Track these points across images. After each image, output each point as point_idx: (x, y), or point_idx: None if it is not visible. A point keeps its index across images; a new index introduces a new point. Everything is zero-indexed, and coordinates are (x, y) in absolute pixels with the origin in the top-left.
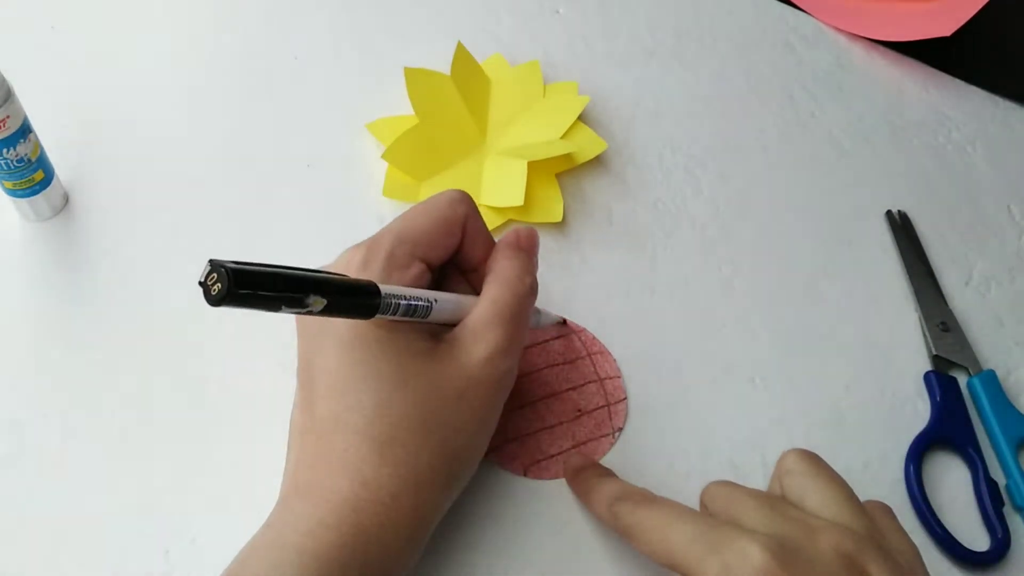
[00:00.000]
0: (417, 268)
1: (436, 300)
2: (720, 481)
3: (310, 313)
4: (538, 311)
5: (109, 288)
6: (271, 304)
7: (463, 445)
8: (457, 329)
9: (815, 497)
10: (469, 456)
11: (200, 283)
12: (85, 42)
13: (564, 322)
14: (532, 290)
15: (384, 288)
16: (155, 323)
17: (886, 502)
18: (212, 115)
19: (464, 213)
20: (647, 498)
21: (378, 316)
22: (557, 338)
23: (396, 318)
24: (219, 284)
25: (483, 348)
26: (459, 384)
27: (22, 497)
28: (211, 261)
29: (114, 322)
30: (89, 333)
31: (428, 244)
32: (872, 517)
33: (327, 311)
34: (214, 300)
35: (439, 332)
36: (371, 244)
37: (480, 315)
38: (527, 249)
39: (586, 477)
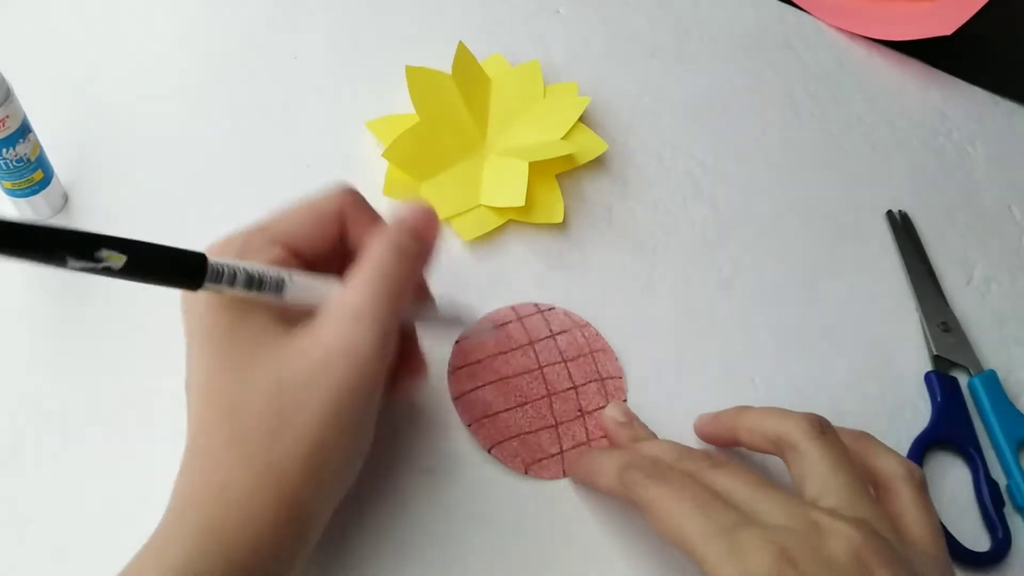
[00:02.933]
0: (276, 252)
1: (291, 276)
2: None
3: (111, 271)
4: (432, 305)
5: (109, 288)
6: (53, 253)
7: (319, 441)
8: (317, 310)
9: (818, 484)
10: (334, 445)
11: None
12: (85, 42)
13: (486, 326)
14: (400, 250)
15: (218, 258)
16: (155, 322)
17: None
18: (212, 115)
19: (340, 202)
20: (660, 471)
21: (211, 286)
22: (561, 333)
23: (239, 292)
24: None
25: (336, 321)
26: (310, 365)
27: (22, 497)
28: None
29: (114, 322)
30: (89, 333)
31: (293, 232)
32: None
33: (134, 270)
34: None
35: (304, 318)
36: (227, 235)
37: (338, 289)
38: (403, 218)
39: (590, 455)
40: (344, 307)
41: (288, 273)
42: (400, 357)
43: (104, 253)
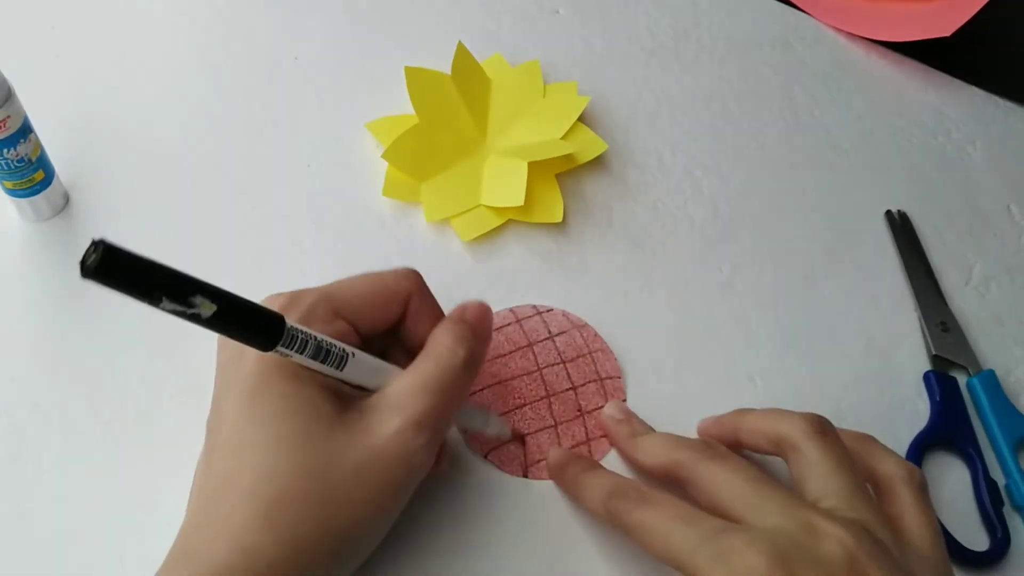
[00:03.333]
0: (340, 326)
1: (355, 355)
2: (719, 453)
3: (198, 319)
4: (484, 413)
5: (112, 293)
6: (150, 293)
7: (353, 524)
8: (373, 397)
9: (818, 484)
10: (359, 537)
11: (80, 261)
12: (85, 42)
13: (522, 438)
14: (466, 363)
15: (294, 324)
16: (155, 322)
17: None
18: (212, 115)
19: (408, 288)
20: (644, 495)
21: (282, 350)
22: (560, 334)
23: (305, 360)
24: (94, 256)
25: (394, 420)
26: (359, 456)
27: (22, 497)
28: (95, 239)
29: (114, 322)
30: (89, 333)
31: (357, 308)
32: (884, 501)
33: (218, 323)
34: (86, 271)
35: (354, 399)
36: (293, 293)
37: (399, 384)
38: (471, 322)
39: (574, 473)
40: (407, 410)
41: (353, 351)
42: None
43: (198, 300)
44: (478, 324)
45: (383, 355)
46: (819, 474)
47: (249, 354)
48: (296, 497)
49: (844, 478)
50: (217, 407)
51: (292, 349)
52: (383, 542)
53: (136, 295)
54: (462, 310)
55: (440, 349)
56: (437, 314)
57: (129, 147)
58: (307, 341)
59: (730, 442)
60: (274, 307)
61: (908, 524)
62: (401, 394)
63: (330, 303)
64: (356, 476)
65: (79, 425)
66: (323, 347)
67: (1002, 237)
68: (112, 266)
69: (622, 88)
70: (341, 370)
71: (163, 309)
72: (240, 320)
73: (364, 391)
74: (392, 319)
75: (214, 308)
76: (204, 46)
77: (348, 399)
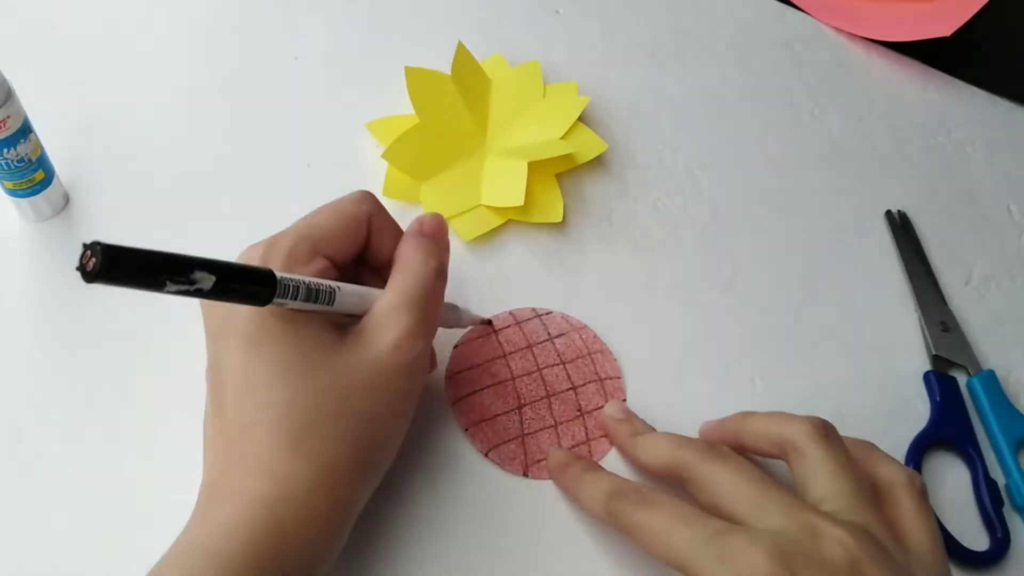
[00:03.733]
0: (320, 263)
1: (340, 288)
2: (721, 454)
3: (200, 292)
4: (456, 308)
5: (109, 287)
6: (154, 280)
7: (377, 434)
8: (364, 319)
9: (820, 487)
10: (384, 445)
11: (77, 268)
12: (85, 42)
13: (489, 322)
14: (438, 273)
15: (287, 274)
16: (155, 322)
17: None
18: (212, 115)
19: (368, 210)
20: (644, 497)
21: (277, 301)
22: (559, 336)
23: (298, 304)
24: (94, 259)
25: (390, 335)
26: (368, 373)
27: (22, 497)
28: (85, 243)
29: (114, 322)
30: (89, 333)
31: (330, 240)
32: (885, 506)
33: (219, 292)
34: (90, 276)
35: (347, 325)
36: (270, 241)
37: (385, 303)
38: (431, 234)
39: (574, 474)
40: (400, 324)
41: (338, 286)
42: None
43: (198, 275)
44: (438, 234)
45: (356, 279)
46: (821, 477)
47: (240, 308)
48: (317, 420)
49: (846, 481)
50: (216, 363)
51: (286, 298)
52: (382, 541)
53: (142, 285)
54: (419, 224)
55: (412, 263)
56: (396, 230)
57: (129, 147)
58: (298, 288)
59: (733, 445)
60: (256, 258)
61: (908, 528)
62: (389, 311)
63: (307, 243)
64: (368, 391)
65: (79, 425)
66: (312, 288)
67: (1002, 237)
68: (114, 265)
69: (622, 88)
70: (332, 305)
71: (167, 292)
72: (237, 284)
73: (354, 317)
74: (361, 243)
75: (213, 279)
76: (204, 46)
77: (342, 327)
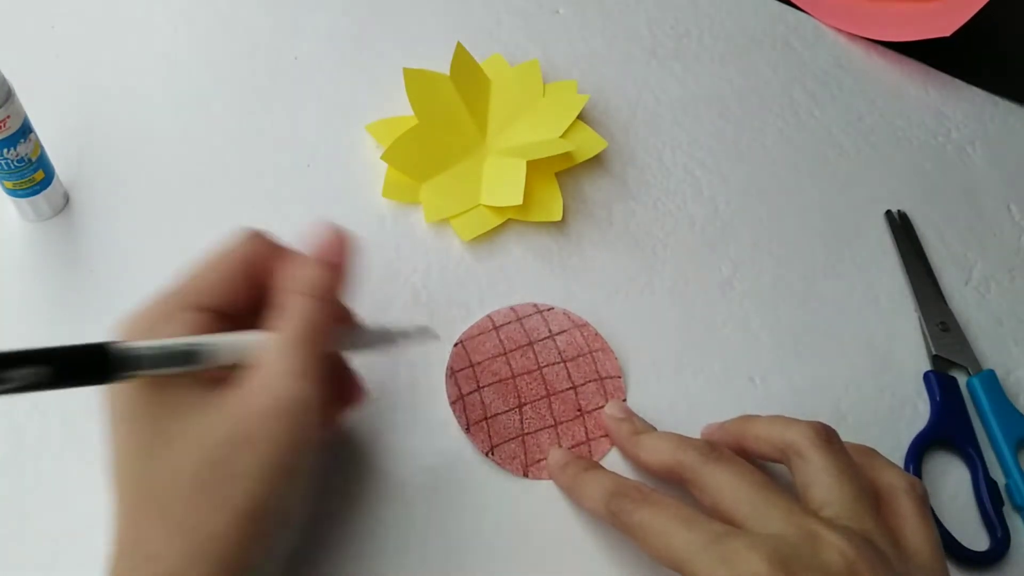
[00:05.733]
0: (190, 318)
1: (205, 343)
2: (723, 456)
3: (25, 389)
4: (359, 329)
5: (109, 288)
6: None
7: (265, 496)
8: (245, 369)
9: (821, 493)
10: (277, 502)
11: None
12: (85, 42)
13: (431, 331)
14: (321, 300)
15: (123, 344)
16: None
17: None
18: (212, 115)
19: (253, 250)
20: (646, 496)
21: (123, 375)
22: (560, 333)
23: (161, 372)
24: None
25: (269, 380)
26: (243, 427)
27: (22, 497)
28: None
29: (114, 322)
30: (89, 333)
31: (211, 291)
32: (885, 512)
33: (52, 383)
34: None
35: (232, 377)
36: (142, 305)
37: (262, 346)
38: (320, 255)
39: (574, 473)
40: (272, 364)
41: (199, 340)
42: (333, 387)
43: (11, 373)
44: (320, 248)
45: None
46: (823, 482)
47: (114, 385)
48: (185, 492)
49: (847, 487)
50: (108, 446)
51: (133, 370)
52: (383, 541)
53: None
54: (308, 247)
55: (291, 297)
56: (303, 262)
57: (129, 147)
58: (149, 357)
59: (735, 448)
60: (124, 326)
61: (909, 535)
62: (268, 355)
63: (174, 300)
64: (249, 447)
65: (79, 425)
66: (174, 354)
67: (1002, 237)
68: None
69: (622, 88)
70: (197, 363)
71: None
72: (68, 371)
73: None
74: (244, 286)
75: (35, 372)
76: (204, 46)
77: (222, 381)
